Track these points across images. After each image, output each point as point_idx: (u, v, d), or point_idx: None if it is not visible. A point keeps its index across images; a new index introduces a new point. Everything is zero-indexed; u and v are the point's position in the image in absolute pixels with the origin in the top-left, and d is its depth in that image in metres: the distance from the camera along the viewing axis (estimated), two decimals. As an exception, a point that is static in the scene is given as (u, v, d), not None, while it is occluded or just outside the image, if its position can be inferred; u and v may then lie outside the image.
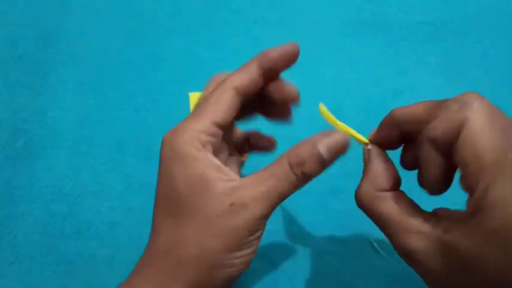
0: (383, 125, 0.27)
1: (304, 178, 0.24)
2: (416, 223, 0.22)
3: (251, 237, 0.24)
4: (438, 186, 0.24)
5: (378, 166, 0.26)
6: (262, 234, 0.25)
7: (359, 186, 0.26)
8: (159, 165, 0.27)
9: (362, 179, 0.26)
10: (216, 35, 0.49)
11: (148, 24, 0.50)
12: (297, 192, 0.41)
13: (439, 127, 0.22)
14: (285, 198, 0.24)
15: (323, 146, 0.24)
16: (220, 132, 0.26)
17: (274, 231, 0.39)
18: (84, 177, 0.42)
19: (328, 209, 0.40)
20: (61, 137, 0.44)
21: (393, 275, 0.38)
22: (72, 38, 0.49)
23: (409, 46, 0.48)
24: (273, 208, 0.24)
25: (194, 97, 0.46)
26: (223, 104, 0.25)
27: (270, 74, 0.27)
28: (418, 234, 0.22)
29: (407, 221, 0.23)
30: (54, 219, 0.40)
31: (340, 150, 0.25)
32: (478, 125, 0.21)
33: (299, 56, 0.49)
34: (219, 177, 0.24)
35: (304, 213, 0.40)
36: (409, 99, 0.46)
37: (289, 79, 0.47)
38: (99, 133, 0.44)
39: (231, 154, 0.31)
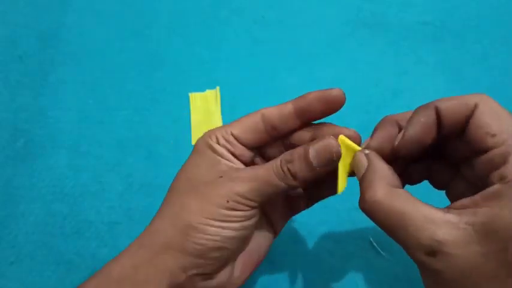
0: (383, 124, 0.28)
1: (290, 175, 0.25)
2: (440, 214, 0.21)
3: (230, 212, 0.25)
4: (417, 151, 0.25)
5: (383, 166, 0.25)
6: (244, 219, 0.26)
7: (369, 187, 0.24)
8: None
9: (370, 181, 0.24)
10: (216, 35, 0.49)
11: (148, 24, 0.50)
12: (297, 192, 0.41)
13: (451, 102, 0.23)
14: (274, 189, 0.26)
15: (312, 149, 0.25)
16: (237, 143, 0.28)
17: (274, 231, 0.39)
18: (84, 177, 0.42)
19: (328, 209, 0.40)
20: (61, 137, 0.44)
21: (393, 275, 0.38)
22: (72, 38, 0.49)
23: (409, 46, 0.49)
24: (257, 192, 0.25)
25: (194, 97, 0.46)
26: (245, 121, 0.28)
27: (307, 117, 0.28)
28: (446, 224, 0.21)
29: (431, 214, 0.21)
30: (54, 219, 0.40)
31: (328, 154, 0.25)
32: (494, 105, 0.22)
33: (298, 56, 0.49)
34: (226, 160, 0.27)
35: (304, 213, 0.40)
36: (409, 99, 0.46)
37: (290, 79, 0.47)
38: (99, 133, 0.44)
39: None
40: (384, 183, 0.23)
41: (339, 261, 0.38)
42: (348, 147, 0.26)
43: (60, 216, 0.40)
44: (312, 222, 0.40)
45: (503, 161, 0.20)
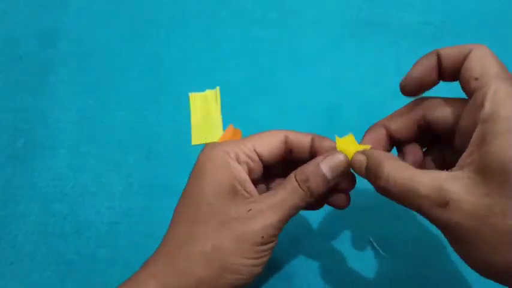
0: (371, 128, 0.29)
1: (310, 193, 0.26)
2: (444, 172, 0.22)
3: (263, 247, 0.25)
4: (417, 88, 0.27)
5: (380, 151, 0.27)
6: (273, 248, 0.26)
7: (378, 169, 0.24)
8: (194, 164, 0.28)
9: (377, 165, 0.24)
10: (216, 35, 0.49)
11: (148, 24, 0.50)
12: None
13: (450, 48, 0.25)
14: (297, 210, 0.27)
15: (325, 166, 0.27)
16: (258, 160, 0.28)
17: (274, 231, 0.39)
18: (84, 177, 0.42)
19: (328, 209, 0.40)
20: (61, 137, 0.44)
21: (393, 275, 0.38)
22: (72, 38, 0.49)
23: (409, 46, 0.48)
24: (285, 219, 0.26)
25: (194, 97, 0.46)
26: (269, 139, 0.29)
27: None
28: (451, 177, 0.22)
29: (436, 173, 0.22)
30: (54, 219, 0.40)
31: (341, 169, 0.27)
32: (485, 52, 0.24)
33: (298, 56, 0.49)
34: (243, 189, 0.27)
35: (304, 213, 0.40)
36: (408, 99, 0.46)
37: (290, 79, 0.47)
38: (99, 133, 0.44)
39: None
40: (388, 160, 0.24)
41: (339, 261, 0.38)
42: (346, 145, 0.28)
43: (60, 216, 0.40)
44: (312, 222, 0.40)
45: (481, 104, 0.22)
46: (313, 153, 0.29)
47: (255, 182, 0.29)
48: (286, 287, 0.38)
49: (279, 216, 0.26)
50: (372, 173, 0.25)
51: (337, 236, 0.39)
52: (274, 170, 0.31)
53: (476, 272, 0.23)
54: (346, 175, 0.28)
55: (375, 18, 0.50)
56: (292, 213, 0.26)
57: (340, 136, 0.29)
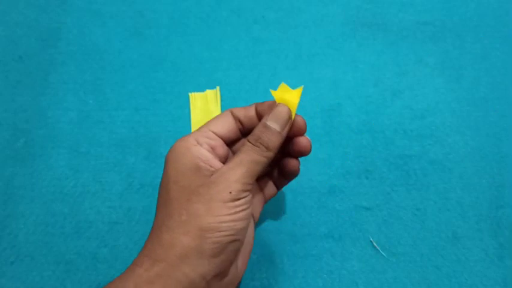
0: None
1: (265, 147, 0.29)
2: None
3: (236, 202, 0.27)
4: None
5: None
6: (247, 206, 0.28)
7: None
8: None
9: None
10: (216, 35, 0.49)
11: (148, 24, 0.50)
12: (297, 192, 0.41)
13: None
14: (260, 165, 0.29)
15: (271, 121, 0.29)
16: (217, 137, 0.31)
17: (274, 230, 0.39)
18: (84, 177, 0.42)
19: (328, 209, 0.41)
20: (61, 137, 0.44)
21: (393, 275, 0.38)
22: (72, 38, 0.49)
23: (409, 46, 0.49)
24: (249, 173, 0.28)
25: (194, 97, 0.46)
26: (219, 118, 0.32)
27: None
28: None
29: None
30: (54, 219, 0.40)
31: (285, 117, 0.30)
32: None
33: (298, 56, 0.49)
34: (207, 165, 0.28)
35: (304, 213, 0.40)
36: (408, 99, 0.46)
37: (289, 79, 0.47)
38: (99, 133, 0.44)
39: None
40: None
41: (339, 261, 0.38)
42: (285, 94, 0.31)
43: (60, 216, 0.40)
44: (312, 222, 0.40)
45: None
46: (260, 119, 0.31)
47: (225, 158, 0.31)
48: (286, 287, 0.38)
49: (240, 172, 0.28)
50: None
51: (337, 236, 0.39)
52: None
53: None
54: (293, 121, 0.31)
55: (375, 18, 0.50)
56: (255, 168, 0.28)
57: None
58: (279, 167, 0.34)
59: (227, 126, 0.31)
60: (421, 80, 0.47)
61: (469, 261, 0.38)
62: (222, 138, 0.31)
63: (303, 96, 0.46)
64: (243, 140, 0.33)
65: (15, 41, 0.49)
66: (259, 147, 0.29)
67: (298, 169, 0.33)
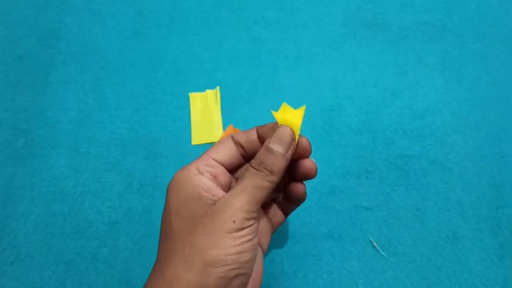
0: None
1: (269, 171, 0.28)
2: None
3: (240, 232, 0.26)
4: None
5: None
6: (254, 232, 0.27)
7: None
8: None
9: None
10: (216, 35, 0.49)
11: (148, 24, 0.50)
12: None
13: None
14: (265, 191, 0.27)
15: (273, 143, 0.28)
16: (219, 165, 0.30)
17: (274, 231, 0.39)
18: (84, 177, 0.42)
19: (328, 209, 0.41)
20: (61, 137, 0.44)
21: (393, 275, 0.38)
22: (72, 38, 0.49)
23: (409, 46, 0.49)
24: (253, 200, 0.27)
25: (194, 97, 0.46)
26: (219, 145, 0.31)
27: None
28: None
29: None
30: (54, 219, 0.40)
31: (288, 139, 0.29)
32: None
33: (298, 56, 0.49)
34: (210, 194, 0.27)
35: (304, 213, 0.40)
36: (408, 99, 0.46)
37: (290, 79, 0.47)
38: (99, 133, 0.44)
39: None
40: None
41: (339, 261, 0.38)
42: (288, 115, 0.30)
43: (60, 216, 0.40)
44: (312, 222, 0.40)
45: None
46: (262, 142, 0.30)
47: (228, 186, 0.30)
48: (286, 287, 0.38)
49: (244, 199, 0.26)
50: None
51: (337, 236, 0.39)
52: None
53: None
54: (297, 142, 0.30)
55: (375, 18, 0.50)
56: (259, 194, 0.27)
57: (276, 110, 0.30)
58: (285, 192, 0.33)
59: (228, 152, 0.30)
60: (421, 80, 0.47)
61: (469, 261, 0.38)
62: (223, 165, 0.30)
63: (303, 96, 0.46)
64: (246, 166, 0.32)
65: (15, 41, 0.49)
66: (262, 171, 0.28)
67: (305, 193, 0.32)
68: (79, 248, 0.39)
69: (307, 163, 0.30)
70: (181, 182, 0.28)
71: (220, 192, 0.28)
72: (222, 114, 0.45)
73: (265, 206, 0.33)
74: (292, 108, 0.29)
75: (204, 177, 0.28)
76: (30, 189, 0.41)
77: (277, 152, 0.28)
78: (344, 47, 0.49)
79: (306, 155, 0.30)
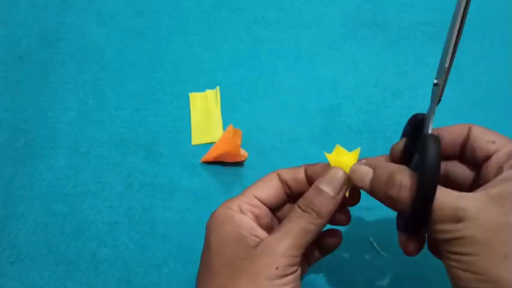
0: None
1: (316, 214, 0.26)
2: (460, 193, 0.23)
3: (283, 280, 0.24)
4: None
5: (389, 163, 0.27)
6: (295, 284, 0.25)
7: (392, 179, 0.25)
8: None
9: (390, 174, 0.25)
10: (216, 35, 0.49)
11: (148, 24, 0.50)
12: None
13: (448, 128, 0.28)
14: (310, 234, 0.26)
15: (324, 185, 0.27)
16: (262, 205, 0.28)
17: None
18: (84, 177, 0.42)
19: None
20: (61, 137, 0.44)
21: (393, 275, 0.38)
22: (72, 38, 0.49)
23: (409, 46, 0.49)
24: (297, 245, 0.25)
25: (194, 97, 0.46)
26: (264, 182, 0.29)
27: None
28: (467, 196, 0.23)
29: (452, 192, 0.24)
30: (54, 219, 0.40)
31: (340, 182, 0.27)
32: (483, 127, 0.27)
33: (298, 56, 0.49)
34: (251, 235, 0.26)
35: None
36: (408, 99, 0.46)
37: (290, 79, 0.47)
38: (99, 133, 0.44)
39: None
40: (401, 170, 0.25)
41: (339, 261, 0.38)
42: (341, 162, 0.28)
43: (60, 216, 0.40)
44: (312, 222, 0.40)
45: (509, 157, 0.24)
46: (310, 182, 0.29)
47: (270, 227, 0.29)
48: (286, 287, 0.38)
49: (288, 244, 0.25)
50: (382, 182, 0.25)
51: (337, 236, 0.39)
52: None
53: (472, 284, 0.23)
54: (349, 187, 0.28)
55: (375, 18, 0.50)
56: (304, 238, 0.26)
57: (329, 151, 0.29)
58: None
59: (273, 191, 0.29)
60: (421, 80, 0.47)
61: (469, 261, 0.38)
62: (266, 204, 0.29)
63: (303, 96, 0.46)
64: (290, 206, 0.30)
65: (15, 41, 0.49)
66: (310, 213, 0.26)
67: (339, 243, 0.31)
68: (79, 248, 0.39)
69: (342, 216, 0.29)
70: (221, 221, 0.27)
71: (262, 234, 0.27)
72: (222, 114, 0.45)
73: None
74: (346, 151, 0.28)
75: (245, 217, 0.27)
76: (30, 189, 0.41)
77: (327, 193, 0.27)
78: (344, 47, 0.49)
79: (353, 202, 0.29)
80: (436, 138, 0.24)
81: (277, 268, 0.24)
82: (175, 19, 0.50)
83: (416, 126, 0.28)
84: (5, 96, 0.46)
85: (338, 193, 0.27)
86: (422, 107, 0.45)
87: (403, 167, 0.25)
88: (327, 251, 0.32)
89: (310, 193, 0.27)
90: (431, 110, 0.27)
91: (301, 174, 0.29)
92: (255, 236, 0.26)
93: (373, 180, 0.26)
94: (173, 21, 0.50)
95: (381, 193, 0.26)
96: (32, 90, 0.46)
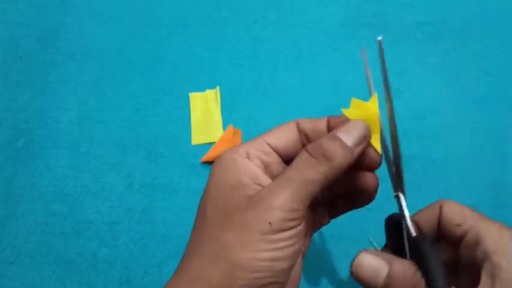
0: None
1: (326, 161, 0.22)
2: None
3: (278, 235, 0.21)
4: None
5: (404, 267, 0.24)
6: (294, 241, 0.22)
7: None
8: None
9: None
10: (216, 35, 0.49)
11: (148, 24, 0.50)
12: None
13: (422, 212, 0.27)
14: (316, 186, 0.22)
15: (342, 133, 0.23)
16: (273, 152, 0.25)
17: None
18: (84, 177, 0.42)
19: (328, 209, 0.40)
20: (61, 137, 0.44)
21: (393, 275, 0.38)
22: (72, 38, 0.49)
23: (409, 46, 0.49)
24: (298, 197, 0.22)
25: (194, 97, 0.46)
26: (279, 130, 0.26)
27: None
28: None
29: None
30: (54, 219, 0.40)
31: (361, 133, 0.24)
32: (454, 204, 0.26)
33: (298, 56, 0.49)
34: (254, 183, 0.23)
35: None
36: (409, 99, 0.46)
37: (290, 79, 0.47)
38: (99, 133, 0.44)
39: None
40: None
41: (339, 261, 0.38)
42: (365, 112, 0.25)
43: (60, 216, 0.40)
44: (312, 222, 0.40)
45: (477, 242, 0.23)
46: None
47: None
48: (286, 287, 0.38)
49: (287, 195, 0.21)
50: (406, 284, 0.23)
51: (337, 236, 0.39)
52: None
53: None
54: (368, 144, 0.25)
55: (375, 18, 0.50)
56: (307, 189, 0.22)
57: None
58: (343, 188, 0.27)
59: (287, 139, 0.25)
60: (421, 80, 0.47)
61: (469, 261, 0.38)
62: (279, 153, 0.25)
63: (303, 96, 0.46)
64: None
65: (15, 41, 0.49)
66: (319, 159, 0.22)
67: (374, 188, 0.26)
68: (79, 248, 0.39)
69: (369, 177, 0.26)
70: (224, 165, 0.24)
71: (268, 182, 0.23)
72: (222, 114, 0.45)
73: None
74: (363, 102, 0.25)
75: (251, 163, 0.24)
76: (30, 189, 0.41)
77: (344, 142, 0.23)
78: (344, 47, 0.49)
79: (373, 166, 0.25)
80: (427, 242, 0.23)
81: (270, 223, 0.21)
82: (175, 19, 0.50)
83: (395, 225, 0.27)
84: (5, 96, 0.46)
85: (357, 145, 0.23)
86: (422, 107, 0.45)
87: (418, 270, 0.23)
88: (354, 203, 0.28)
89: (323, 139, 0.23)
90: (404, 216, 0.25)
91: (322, 125, 0.25)
92: (258, 184, 0.23)
93: (390, 280, 0.23)
94: (173, 21, 0.50)
95: None
96: (32, 90, 0.46)
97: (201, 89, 0.46)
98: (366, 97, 0.26)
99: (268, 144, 0.25)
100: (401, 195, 0.26)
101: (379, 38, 0.25)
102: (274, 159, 0.25)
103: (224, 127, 0.44)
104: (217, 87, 0.46)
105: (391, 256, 0.24)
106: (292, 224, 0.22)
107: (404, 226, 0.25)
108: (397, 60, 0.48)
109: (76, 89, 0.46)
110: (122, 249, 0.39)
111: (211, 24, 0.50)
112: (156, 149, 0.43)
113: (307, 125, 0.26)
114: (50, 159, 0.43)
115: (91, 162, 0.42)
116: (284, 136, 0.25)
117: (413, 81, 0.47)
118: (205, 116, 0.45)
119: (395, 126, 0.25)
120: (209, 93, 0.46)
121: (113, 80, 0.47)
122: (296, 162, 0.23)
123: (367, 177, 0.26)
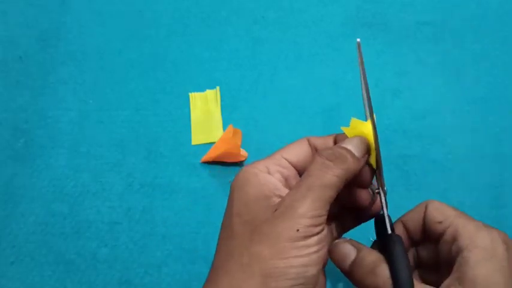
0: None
1: (340, 163, 0.24)
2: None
3: (305, 241, 0.22)
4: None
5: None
6: (321, 245, 0.23)
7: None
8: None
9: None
10: (216, 35, 0.49)
11: (148, 24, 0.50)
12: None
13: (409, 215, 0.29)
14: (334, 189, 0.24)
15: (348, 144, 0.26)
16: (290, 166, 0.27)
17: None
18: (84, 177, 0.42)
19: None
20: (61, 137, 0.44)
21: (393, 275, 0.38)
22: (72, 38, 0.49)
23: (409, 46, 0.49)
24: (320, 202, 0.23)
25: (194, 97, 0.46)
26: (293, 146, 0.28)
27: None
28: None
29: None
30: (54, 219, 0.40)
31: (363, 145, 0.26)
32: (438, 203, 0.28)
33: (298, 56, 0.49)
34: (275, 196, 0.25)
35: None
36: (408, 99, 0.46)
37: (290, 79, 0.47)
38: (99, 133, 0.44)
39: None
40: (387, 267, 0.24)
41: (339, 261, 0.38)
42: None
43: (60, 216, 0.40)
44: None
45: (454, 238, 0.25)
46: None
47: None
48: (286, 287, 0.38)
49: (309, 203, 0.23)
50: (365, 268, 0.24)
51: (337, 236, 0.39)
52: None
53: None
54: (369, 157, 0.27)
55: (375, 18, 0.50)
56: (327, 194, 0.23)
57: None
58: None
59: (303, 154, 0.27)
60: (421, 80, 0.47)
61: (469, 261, 0.38)
62: (296, 167, 0.27)
63: (303, 96, 0.46)
64: None
65: (15, 41, 0.49)
66: (333, 162, 0.24)
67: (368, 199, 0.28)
68: (79, 248, 0.39)
69: (363, 194, 0.28)
70: (245, 179, 0.25)
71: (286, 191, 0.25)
72: (222, 114, 0.45)
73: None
74: (362, 121, 0.28)
75: (272, 177, 0.26)
76: (30, 189, 0.41)
77: (351, 151, 0.25)
78: (344, 47, 0.49)
79: (365, 181, 0.27)
80: (398, 240, 0.24)
81: (298, 230, 0.22)
82: (175, 19, 0.50)
83: (381, 223, 0.28)
84: (5, 96, 0.46)
85: (362, 155, 0.26)
86: (422, 107, 0.45)
87: (384, 260, 0.24)
88: (358, 218, 0.30)
89: (334, 147, 0.26)
90: (384, 213, 0.27)
91: (330, 142, 0.29)
92: (279, 196, 0.24)
93: (354, 263, 0.25)
94: (173, 21, 0.50)
95: (358, 278, 0.24)
96: (32, 90, 0.46)
97: (201, 89, 0.46)
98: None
99: (286, 159, 0.27)
100: (381, 192, 0.27)
101: (358, 39, 0.27)
102: (292, 173, 0.27)
103: (224, 127, 0.44)
104: (217, 87, 0.46)
105: (362, 245, 0.26)
106: (317, 229, 0.23)
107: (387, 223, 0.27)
108: (397, 60, 0.48)
109: (76, 89, 0.46)
110: (122, 249, 0.39)
111: (211, 24, 0.50)
112: (156, 149, 0.43)
113: (317, 141, 0.28)
114: (50, 159, 0.43)
115: (91, 162, 0.42)
116: (299, 151, 0.28)
117: (413, 81, 0.47)
118: (205, 116, 0.45)
119: (374, 118, 0.28)
120: (209, 93, 0.46)
121: (113, 80, 0.47)
122: (312, 168, 0.24)
123: (363, 195, 0.28)
